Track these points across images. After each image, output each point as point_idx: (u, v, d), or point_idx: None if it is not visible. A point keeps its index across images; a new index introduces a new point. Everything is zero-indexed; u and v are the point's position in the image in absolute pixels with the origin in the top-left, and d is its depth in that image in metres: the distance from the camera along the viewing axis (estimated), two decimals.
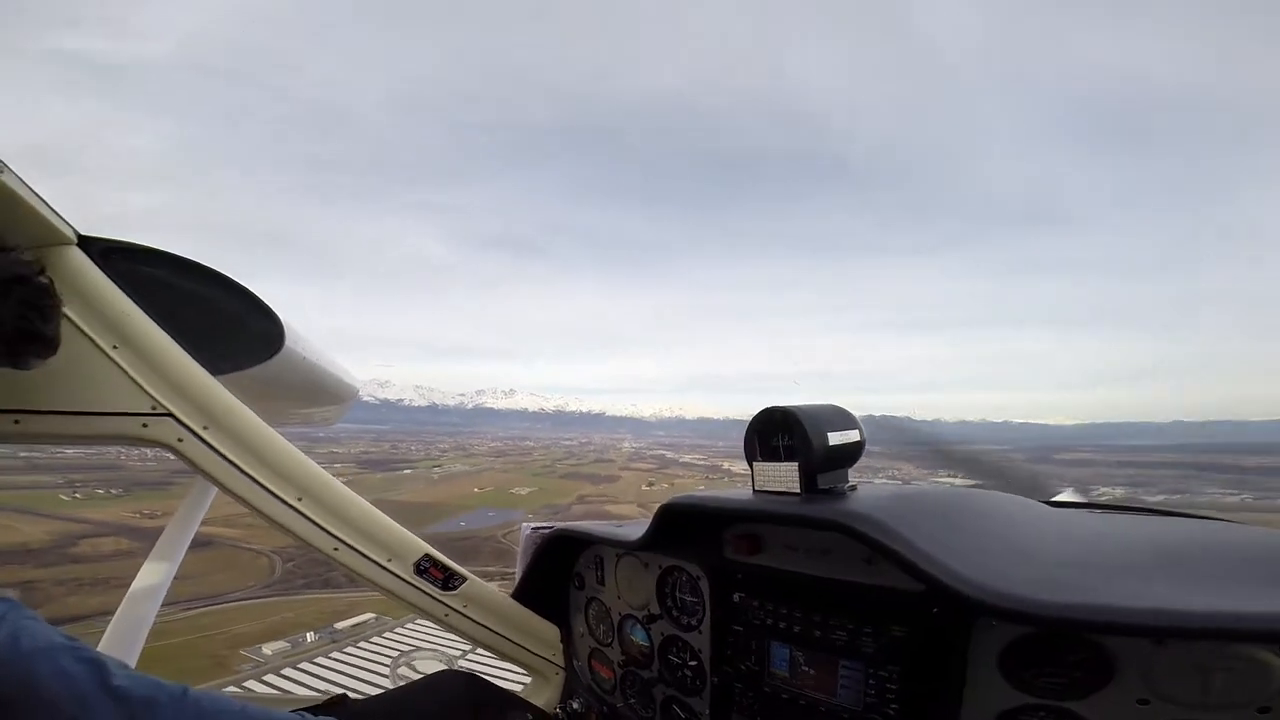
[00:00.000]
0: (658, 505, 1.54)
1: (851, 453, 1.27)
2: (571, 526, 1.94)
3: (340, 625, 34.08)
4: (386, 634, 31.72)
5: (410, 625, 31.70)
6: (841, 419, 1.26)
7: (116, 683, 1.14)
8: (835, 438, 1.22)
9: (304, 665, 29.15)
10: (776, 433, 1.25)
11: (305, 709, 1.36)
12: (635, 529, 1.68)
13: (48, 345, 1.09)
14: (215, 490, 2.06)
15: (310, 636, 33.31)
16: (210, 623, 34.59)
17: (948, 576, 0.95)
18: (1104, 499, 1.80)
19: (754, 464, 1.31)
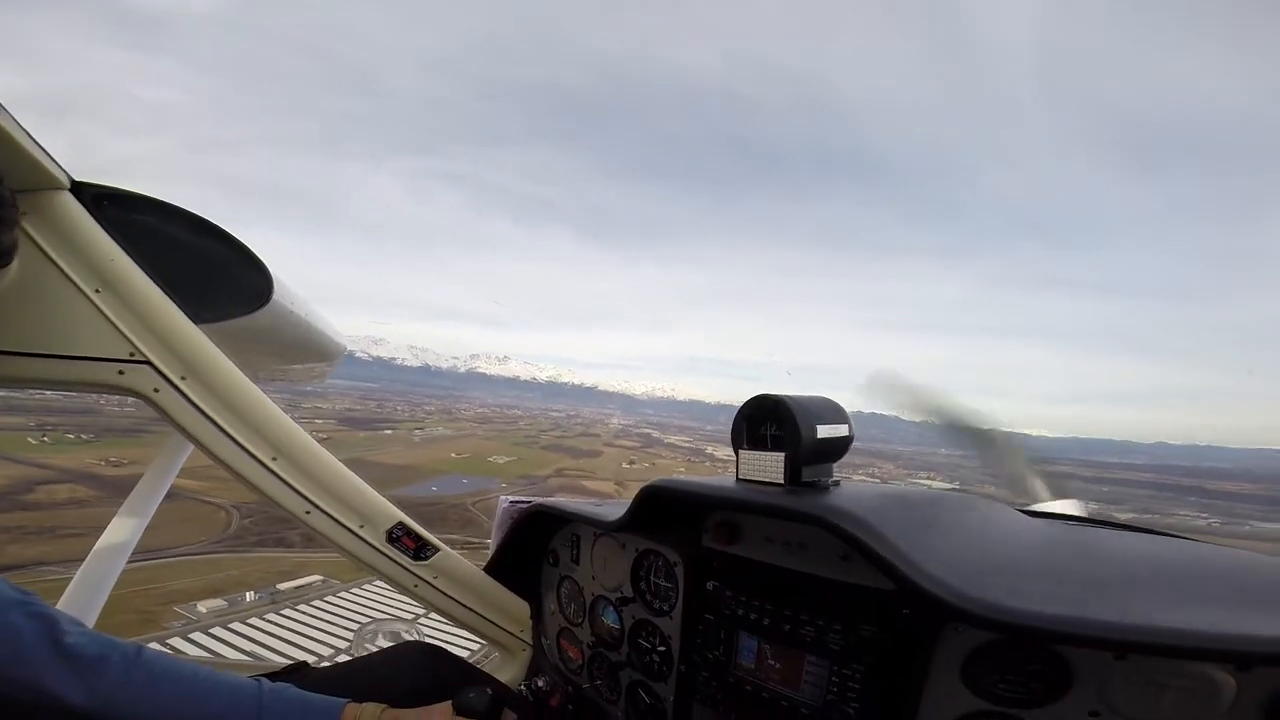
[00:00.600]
0: (636, 485, 1.53)
1: (839, 447, 1.26)
2: (550, 502, 1.93)
3: (283, 586, 33.54)
4: (330, 598, 30.88)
5: (357, 590, 30.97)
6: (832, 412, 1.26)
7: (68, 640, 1.13)
8: (824, 431, 1.22)
9: (235, 626, 28.49)
10: (766, 421, 1.25)
11: (266, 675, 1.36)
12: (614, 509, 1.68)
13: (7, 256, 1.08)
14: (190, 448, 2.02)
15: (250, 596, 32.51)
16: (148, 577, 33.81)
17: (922, 578, 0.96)
18: (1079, 513, 1.82)
19: (740, 451, 1.31)
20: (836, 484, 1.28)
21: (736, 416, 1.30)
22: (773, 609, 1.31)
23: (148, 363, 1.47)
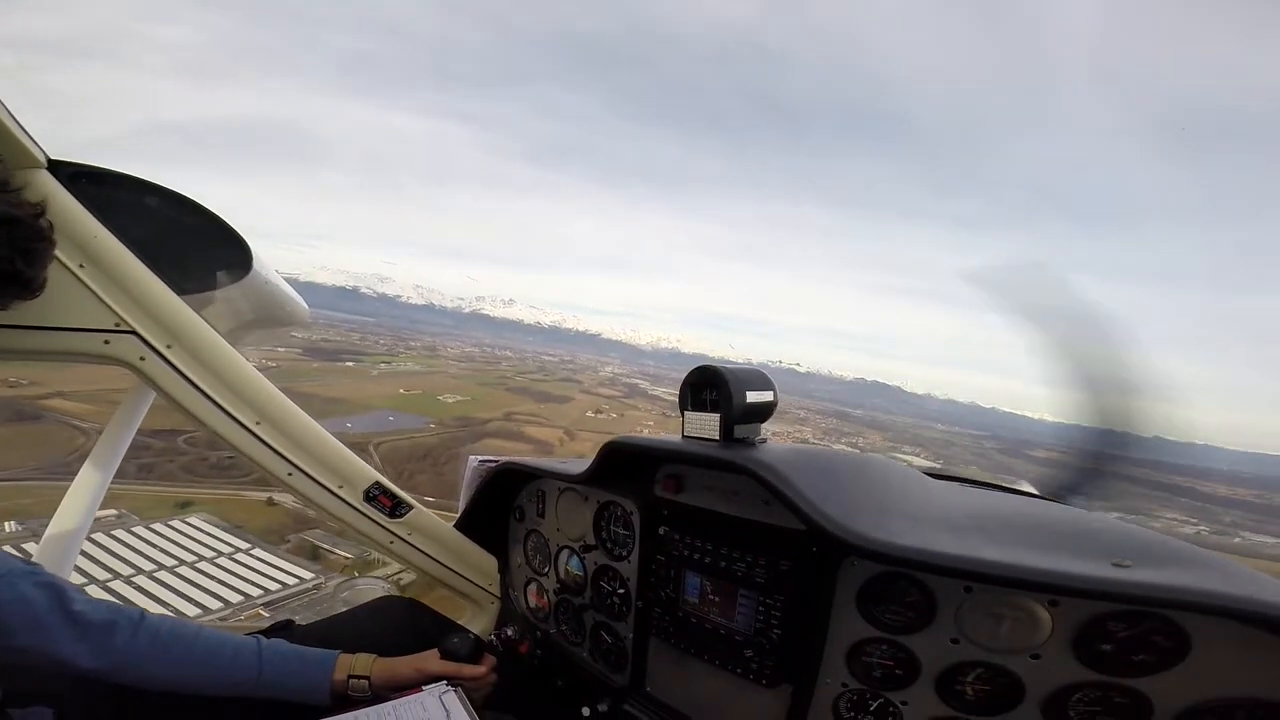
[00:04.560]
0: (589, 436, 2.57)
1: (765, 410, 1.51)
2: (517, 460, 2.10)
3: None
4: (120, 532, 27.60)
5: (158, 526, 28.60)
6: (760, 381, 1.49)
7: (76, 608, 1.19)
8: (753, 396, 1.46)
9: None
10: (706, 387, 1.48)
11: (253, 633, 1.47)
12: (578, 465, 1.88)
13: (28, 288, 1.10)
14: (152, 396, 2.12)
15: (10, 526, 27.65)
16: None
17: (821, 518, 1.21)
18: (973, 475, 1.92)
19: (685, 412, 1.54)
20: (764, 441, 1.50)
21: (683, 384, 1.53)
22: (712, 549, 1.56)
23: (133, 332, 1.57)
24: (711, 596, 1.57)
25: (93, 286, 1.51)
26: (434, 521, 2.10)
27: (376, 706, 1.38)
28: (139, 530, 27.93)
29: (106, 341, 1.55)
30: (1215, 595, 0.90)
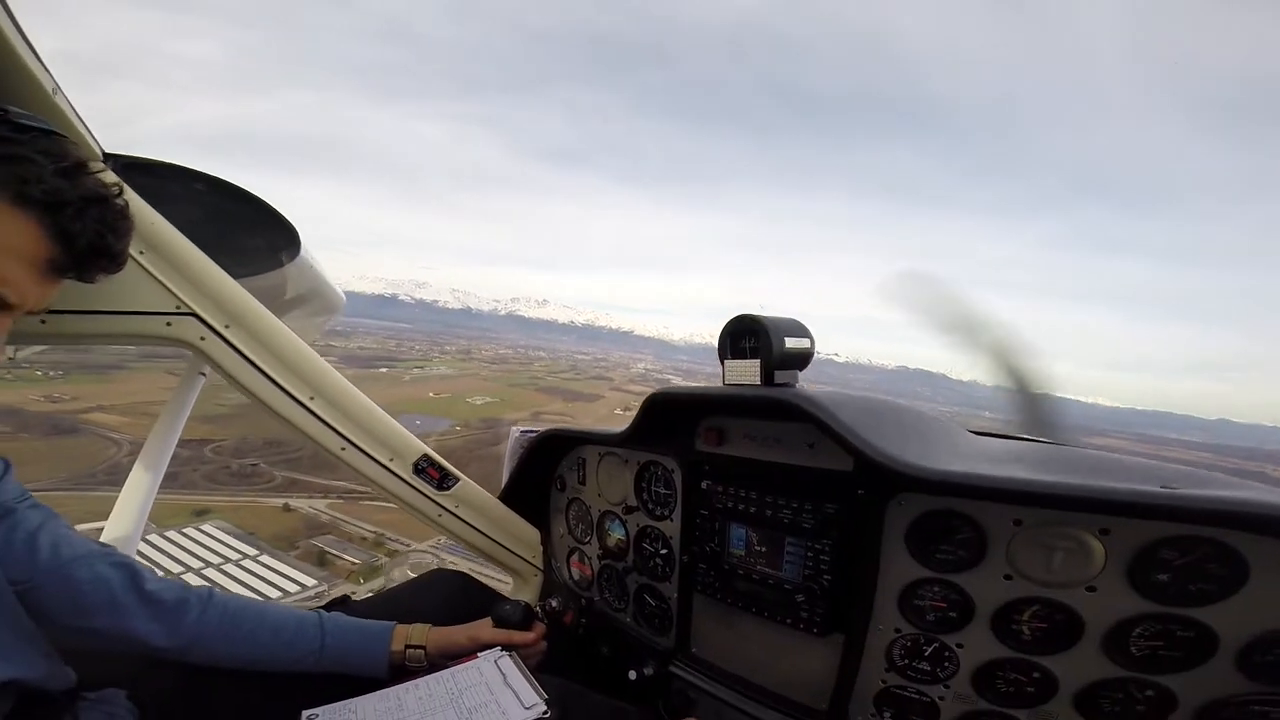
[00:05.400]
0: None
1: (803, 357, 1.49)
2: (559, 428, 2.13)
3: None
4: None
5: (165, 534, 29.06)
6: (797, 328, 1.48)
7: (149, 587, 1.24)
8: (791, 343, 1.45)
9: None
10: (745, 335, 1.48)
11: (314, 609, 1.51)
12: (617, 429, 1.89)
13: (116, 261, 1.15)
14: (200, 385, 2.31)
15: None
16: None
17: (870, 449, 1.21)
18: (1013, 432, 1.88)
19: (725, 361, 1.53)
20: (802, 387, 1.51)
21: (721, 333, 1.54)
22: (756, 498, 1.56)
23: (193, 314, 1.64)
24: (758, 548, 1.57)
25: (153, 272, 1.58)
26: (480, 494, 2.15)
27: (434, 674, 1.42)
28: (152, 538, 28.84)
29: (169, 323, 1.62)
30: (1273, 507, 0.89)
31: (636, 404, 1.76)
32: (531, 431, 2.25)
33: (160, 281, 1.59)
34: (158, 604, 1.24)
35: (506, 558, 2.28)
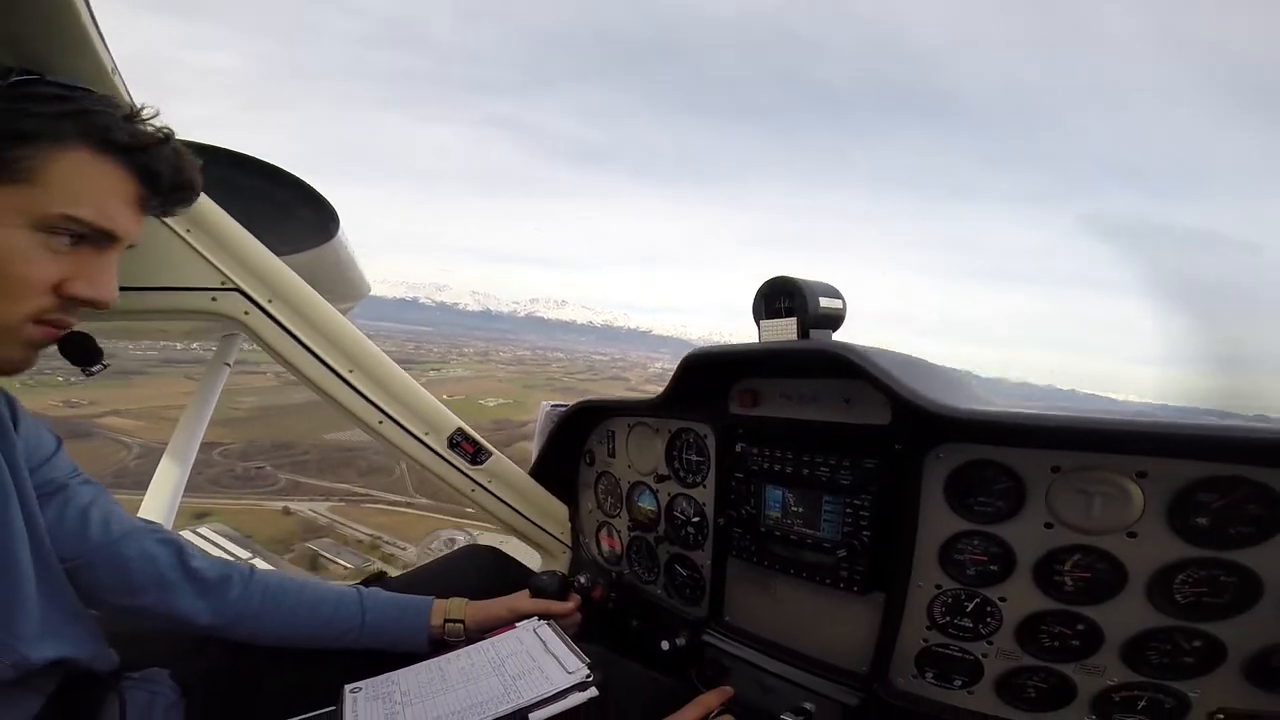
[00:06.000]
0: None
1: (837, 317, 1.51)
2: (589, 400, 2.14)
3: None
4: None
5: None
6: (830, 290, 1.49)
7: (194, 564, 1.25)
8: (825, 303, 1.47)
9: None
10: (780, 296, 1.50)
11: (353, 585, 1.53)
12: (648, 397, 1.89)
13: (195, 192, 1.16)
14: (226, 375, 2.56)
15: None
16: None
17: (910, 394, 1.20)
18: None
19: (760, 322, 1.55)
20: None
21: (756, 295, 1.55)
22: (793, 458, 1.54)
23: (237, 289, 1.69)
24: (794, 508, 1.56)
25: (199, 248, 1.63)
26: (511, 469, 2.18)
27: (475, 645, 1.41)
28: None
29: (214, 299, 1.68)
30: None
31: None
32: (562, 406, 2.26)
33: (206, 258, 1.65)
34: (202, 581, 1.24)
35: (536, 534, 2.29)
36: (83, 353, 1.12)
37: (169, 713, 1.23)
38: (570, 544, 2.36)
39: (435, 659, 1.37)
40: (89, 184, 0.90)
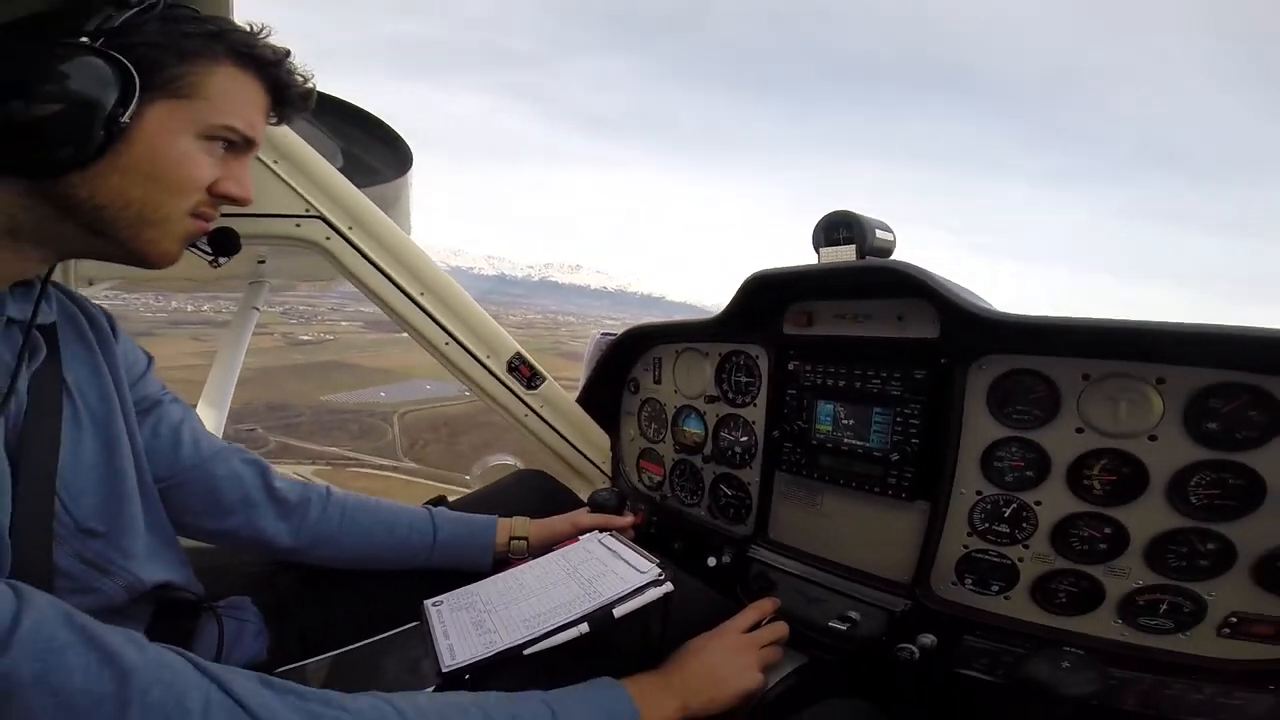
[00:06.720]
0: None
1: (889, 248, 1.59)
2: (643, 324, 2.16)
3: None
4: None
5: None
6: (883, 225, 1.58)
7: (276, 484, 1.26)
8: (880, 234, 1.55)
9: None
10: (839, 228, 1.58)
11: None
12: (701, 319, 1.93)
13: (311, 102, 1.18)
14: (255, 319, 2.82)
15: None
16: None
17: (961, 302, 1.30)
18: None
19: (819, 250, 1.63)
20: None
21: (816, 227, 1.64)
22: (845, 373, 1.62)
23: (320, 217, 1.80)
24: (845, 420, 1.62)
25: (285, 177, 1.74)
26: (562, 395, 2.26)
27: (544, 557, 1.43)
28: None
29: (298, 225, 1.78)
30: None
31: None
32: (611, 335, 2.31)
33: (291, 186, 1.75)
34: (284, 502, 1.25)
35: (580, 462, 2.37)
36: (227, 243, 1.23)
37: (257, 639, 1.26)
38: (611, 474, 2.44)
39: (511, 570, 1.40)
40: (238, 97, 1.00)
